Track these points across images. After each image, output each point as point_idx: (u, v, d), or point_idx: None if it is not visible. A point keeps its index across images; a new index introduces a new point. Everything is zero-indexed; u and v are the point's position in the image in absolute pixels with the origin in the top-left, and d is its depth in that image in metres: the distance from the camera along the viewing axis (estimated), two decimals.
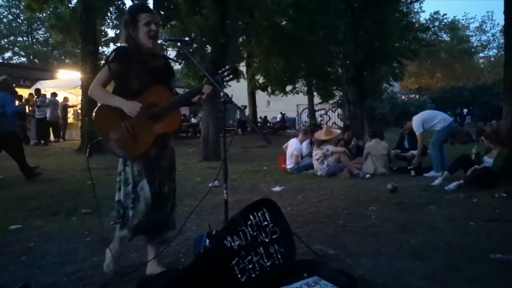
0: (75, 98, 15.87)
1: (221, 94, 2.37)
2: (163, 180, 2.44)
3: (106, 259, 2.55)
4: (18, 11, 33.38)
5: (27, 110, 13.52)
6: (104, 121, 2.31)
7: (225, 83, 2.45)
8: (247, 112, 21.22)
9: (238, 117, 22.07)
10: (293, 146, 7.40)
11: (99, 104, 2.34)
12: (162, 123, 2.35)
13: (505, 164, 5.19)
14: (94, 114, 2.33)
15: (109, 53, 2.47)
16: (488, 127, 15.44)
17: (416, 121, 6.72)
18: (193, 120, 20.99)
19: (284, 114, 25.15)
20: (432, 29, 35.50)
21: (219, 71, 2.44)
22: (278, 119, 24.63)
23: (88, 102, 10.63)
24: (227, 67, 2.46)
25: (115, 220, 2.48)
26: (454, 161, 5.58)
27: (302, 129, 9.39)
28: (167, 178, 2.48)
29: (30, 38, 36.98)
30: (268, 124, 24.09)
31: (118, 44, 15.66)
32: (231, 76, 2.43)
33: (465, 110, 29.21)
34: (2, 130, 6.09)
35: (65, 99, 14.91)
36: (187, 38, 2.65)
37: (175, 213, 2.64)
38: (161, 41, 2.45)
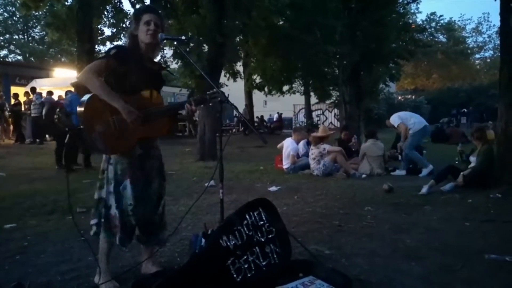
0: None
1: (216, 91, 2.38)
2: (150, 179, 2.43)
3: (98, 272, 2.40)
4: (14, 9, 33.22)
5: (22, 109, 13.46)
6: (93, 112, 2.22)
7: (210, 103, 2.49)
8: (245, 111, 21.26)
9: (237, 116, 22.06)
10: (289, 146, 7.41)
11: (92, 95, 2.23)
12: (148, 127, 2.35)
13: (486, 160, 5.33)
14: (85, 102, 2.21)
15: (110, 47, 2.43)
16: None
17: (393, 117, 7.37)
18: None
19: (281, 114, 25.16)
20: (429, 30, 35.61)
21: (208, 92, 2.47)
22: (274, 119, 24.64)
23: None
24: (215, 90, 2.47)
25: (93, 222, 2.41)
26: (441, 171, 5.62)
27: (293, 128, 9.40)
28: (157, 176, 2.48)
29: (26, 36, 36.79)
30: (265, 124, 24.10)
31: (115, 43, 15.66)
32: (216, 100, 2.45)
33: (465, 110, 29.32)
34: (73, 126, 6.78)
35: (59, 97, 14.82)
36: (184, 37, 2.67)
37: (166, 212, 2.62)
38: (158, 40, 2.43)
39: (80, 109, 2.23)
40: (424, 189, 5.17)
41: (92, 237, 2.45)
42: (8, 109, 12.97)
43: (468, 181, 5.22)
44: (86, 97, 2.24)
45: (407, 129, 7.10)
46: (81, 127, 2.22)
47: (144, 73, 2.36)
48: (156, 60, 2.62)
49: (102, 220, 2.34)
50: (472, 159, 5.70)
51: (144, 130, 2.33)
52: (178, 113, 2.56)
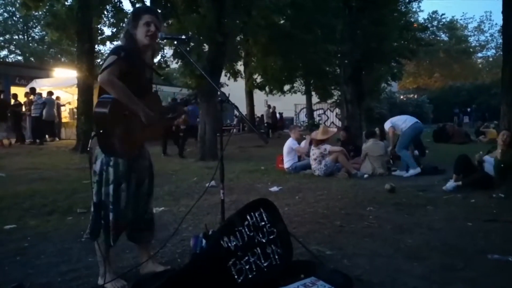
0: (70, 97, 15.79)
1: (218, 93, 2.36)
2: (142, 179, 2.46)
3: (101, 275, 2.37)
4: (13, 9, 33.23)
5: (23, 109, 13.45)
6: (115, 116, 2.19)
7: (196, 103, 2.58)
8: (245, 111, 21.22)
9: (237, 116, 22.00)
10: (288, 144, 7.40)
11: (114, 98, 2.17)
12: (151, 130, 2.40)
13: (508, 164, 5.15)
14: (109, 106, 2.14)
15: (116, 48, 2.32)
16: (483, 127, 15.49)
17: (386, 122, 7.52)
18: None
19: (281, 113, 25.12)
20: (431, 28, 35.64)
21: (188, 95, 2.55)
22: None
23: (84, 101, 10.59)
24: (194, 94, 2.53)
25: (92, 226, 2.37)
26: (456, 163, 5.52)
27: (290, 127, 9.37)
28: (148, 176, 2.51)
29: (26, 36, 36.80)
30: (265, 124, 24.05)
31: (115, 43, 15.63)
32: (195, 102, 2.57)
33: (468, 109, 29.28)
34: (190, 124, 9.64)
35: (57, 98, 14.84)
36: (184, 37, 2.63)
37: (152, 208, 2.63)
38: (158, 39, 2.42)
39: (102, 110, 2.16)
40: (449, 185, 5.16)
41: (86, 240, 2.44)
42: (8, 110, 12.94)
43: (475, 181, 5.16)
44: (106, 100, 2.18)
45: (394, 134, 7.26)
46: (101, 131, 2.17)
47: (146, 73, 2.37)
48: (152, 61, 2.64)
49: (102, 222, 2.33)
50: (489, 159, 5.48)
51: (149, 133, 2.38)
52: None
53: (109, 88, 2.17)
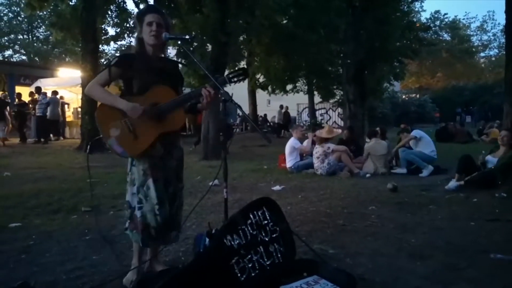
0: (75, 96, 15.86)
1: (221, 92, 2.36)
2: (169, 179, 2.42)
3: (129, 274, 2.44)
4: (18, 9, 33.33)
5: (29, 108, 13.52)
6: (105, 119, 2.30)
7: (233, 83, 2.42)
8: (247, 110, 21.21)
9: (240, 115, 22.03)
10: (291, 143, 7.42)
11: (100, 103, 2.35)
12: (164, 122, 2.33)
13: (510, 164, 5.12)
14: (96, 111, 2.33)
15: (113, 57, 2.51)
16: (489, 127, 15.44)
17: (416, 130, 7.61)
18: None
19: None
20: (433, 28, 35.48)
21: (229, 72, 2.44)
22: None
23: (88, 100, 10.61)
24: (237, 68, 2.47)
25: (125, 223, 2.45)
26: (459, 163, 5.52)
27: (292, 127, 9.43)
28: (174, 178, 2.47)
29: (30, 36, 36.93)
30: (268, 123, 24.06)
31: (119, 42, 15.70)
32: (240, 78, 2.38)
33: (472, 108, 29.19)
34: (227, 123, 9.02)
35: (61, 97, 14.91)
36: (187, 37, 2.65)
37: (181, 214, 2.61)
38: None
39: (95, 117, 2.33)
40: (452, 185, 5.16)
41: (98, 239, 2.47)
42: (15, 109, 13.01)
43: (478, 180, 5.16)
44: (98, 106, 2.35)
45: (409, 140, 7.32)
46: (100, 136, 2.30)
47: (152, 74, 2.35)
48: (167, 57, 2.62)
49: (128, 221, 2.38)
50: (492, 159, 5.49)
51: (160, 126, 2.32)
52: (197, 104, 2.51)
53: (91, 95, 2.37)
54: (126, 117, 2.28)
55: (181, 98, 2.40)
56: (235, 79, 2.37)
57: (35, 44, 36.32)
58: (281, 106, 21.04)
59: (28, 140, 12.92)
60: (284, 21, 15.87)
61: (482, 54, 44.76)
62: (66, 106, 15.60)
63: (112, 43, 15.09)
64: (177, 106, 2.36)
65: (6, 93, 14.21)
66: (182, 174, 2.58)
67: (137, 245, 2.44)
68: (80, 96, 12.56)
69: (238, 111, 19.57)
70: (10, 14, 34.98)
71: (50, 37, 26.69)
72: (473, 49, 43.17)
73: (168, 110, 2.32)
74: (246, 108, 21.85)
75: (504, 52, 6.30)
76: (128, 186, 2.41)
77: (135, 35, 2.48)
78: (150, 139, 2.30)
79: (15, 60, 32.52)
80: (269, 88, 20.60)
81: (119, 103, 2.28)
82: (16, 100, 13.33)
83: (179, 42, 2.67)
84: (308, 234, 3.31)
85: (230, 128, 11.59)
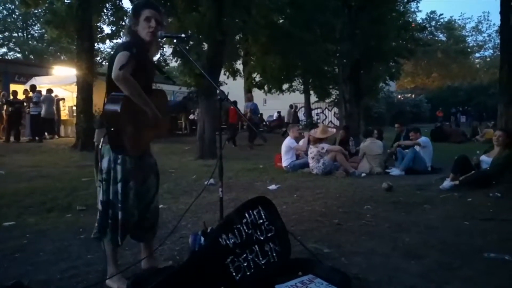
0: (70, 95, 15.76)
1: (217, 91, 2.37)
2: (147, 176, 2.46)
3: (109, 273, 2.37)
4: (13, 6, 33.09)
5: (25, 106, 13.41)
6: (125, 114, 2.20)
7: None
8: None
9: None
10: (286, 142, 7.42)
11: (125, 96, 2.18)
12: (159, 126, 2.39)
13: (504, 164, 5.16)
14: (121, 103, 2.15)
15: (126, 45, 2.29)
16: (484, 127, 15.55)
17: (423, 138, 7.59)
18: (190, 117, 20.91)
19: (279, 112, 25.13)
20: (429, 28, 35.66)
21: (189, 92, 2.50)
22: (274, 118, 24.57)
23: (83, 99, 10.57)
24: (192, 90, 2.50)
25: (100, 225, 2.34)
26: (455, 163, 5.55)
27: (289, 126, 9.44)
28: (152, 173, 2.51)
29: (25, 34, 36.67)
30: (264, 123, 24.02)
31: (115, 41, 15.62)
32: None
33: (467, 108, 29.36)
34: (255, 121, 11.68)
35: (56, 96, 14.80)
36: (183, 35, 2.63)
37: (157, 206, 2.60)
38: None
39: (114, 107, 2.17)
40: (446, 184, 5.18)
41: (94, 238, 2.42)
42: (11, 108, 12.88)
43: (473, 180, 5.19)
44: (118, 97, 2.19)
45: (415, 144, 7.35)
46: (112, 128, 2.18)
47: (152, 70, 2.39)
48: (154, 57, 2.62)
49: (110, 221, 2.30)
50: (486, 159, 5.48)
51: (155, 130, 2.39)
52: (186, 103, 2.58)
53: (124, 86, 2.15)
54: (137, 116, 2.25)
55: (173, 107, 2.50)
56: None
57: (30, 42, 36.05)
58: (291, 106, 21.04)
59: (22, 139, 12.84)
60: (281, 20, 15.88)
61: (477, 55, 45.12)
62: (61, 101, 15.49)
63: (107, 41, 14.99)
64: (170, 112, 2.42)
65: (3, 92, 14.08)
66: (157, 168, 2.58)
67: (110, 249, 2.36)
68: (75, 95, 12.47)
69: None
70: (4, 11, 34.71)
71: (45, 35, 26.43)
72: (468, 50, 43.45)
73: (167, 114, 2.43)
74: (242, 108, 21.79)
75: (499, 53, 6.32)
76: (109, 186, 2.28)
77: (127, 25, 2.41)
78: (149, 140, 2.38)
79: (9, 58, 32.27)
80: (265, 87, 20.62)
81: (149, 106, 2.25)
82: (11, 97, 13.20)
83: (175, 41, 2.65)
84: (303, 233, 3.31)
85: (256, 125, 12.62)
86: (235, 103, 10.06)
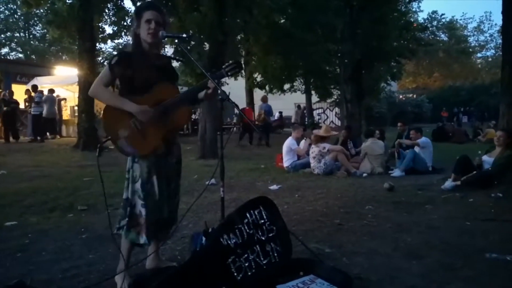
0: (72, 95, 15.79)
1: (219, 91, 2.36)
2: (171, 176, 2.45)
3: (118, 270, 2.40)
4: (15, 6, 33.15)
5: (22, 106, 13.43)
6: (113, 120, 2.28)
7: (229, 76, 2.47)
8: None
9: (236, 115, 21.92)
10: (288, 143, 7.43)
11: (106, 105, 2.31)
12: (171, 119, 2.34)
13: (506, 164, 5.14)
14: (102, 113, 2.32)
15: (112, 56, 2.47)
16: (486, 127, 15.52)
17: (425, 140, 7.61)
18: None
19: (281, 112, 25.11)
20: (430, 28, 35.56)
21: (223, 66, 2.44)
22: (275, 118, 24.56)
23: (85, 99, 10.58)
24: (230, 61, 2.47)
25: (120, 221, 2.39)
26: (457, 163, 5.53)
27: (293, 126, 9.47)
28: (174, 174, 2.49)
29: (27, 34, 36.73)
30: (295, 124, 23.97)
31: (116, 41, 15.65)
32: (236, 70, 2.45)
33: (469, 108, 29.30)
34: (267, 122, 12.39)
35: (57, 96, 14.82)
36: (184, 35, 2.63)
37: (178, 210, 2.62)
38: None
39: (101, 119, 2.32)
40: (448, 184, 5.17)
41: (115, 234, 2.42)
42: (6, 107, 12.88)
43: (474, 180, 5.18)
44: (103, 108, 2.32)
45: (415, 144, 7.38)
46: (108, 137, 2.28)
47: (151, 71, 2.35)
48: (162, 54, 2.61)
49: (127, 219, 2.33)
50: (488, 159, 5.48)
51: (166, 124, 2.34)
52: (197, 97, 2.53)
53: (97, 98, 2.36)
54: (133, 117, 2.27)
55: (184, 94, 2.43)
56: (231, 72, 2.42)
57: (31, 42, 36.11)
58: (299, 106, 20.89)
59: (24, 138, 12.86)
60: (282, 20, 15.88)
61: (479, 55, 44.97)
62: (63, 101, 15.52)
63: (109, 41, 15.05)
64: (182, 102, 2.38)
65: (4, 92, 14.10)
66: (181, 170, 2.59)
67: (127, 246, 2.39)
68: (76, 94, 12.49)
69: (236, 110, 19.46)
70: (6, 11, 34.78)
71: (47, 35, 26.50)
72: (470, 50, 43.32)
73: (173, 107, 2.33)
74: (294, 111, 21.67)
75: (501, 53, 6.31)
76: (129, 184, 2.35)
77: (131, 29, 2.44)
78: (159, 136, 2.33)
79: (11, 58, 32.32)
80: (267, 87, 20.61)
81: (128, 106, 2.26)
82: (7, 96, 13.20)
83: (176, 41, 2.65)
84: (304, 233, 3.31)
85: (269, 125, 13.04)
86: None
